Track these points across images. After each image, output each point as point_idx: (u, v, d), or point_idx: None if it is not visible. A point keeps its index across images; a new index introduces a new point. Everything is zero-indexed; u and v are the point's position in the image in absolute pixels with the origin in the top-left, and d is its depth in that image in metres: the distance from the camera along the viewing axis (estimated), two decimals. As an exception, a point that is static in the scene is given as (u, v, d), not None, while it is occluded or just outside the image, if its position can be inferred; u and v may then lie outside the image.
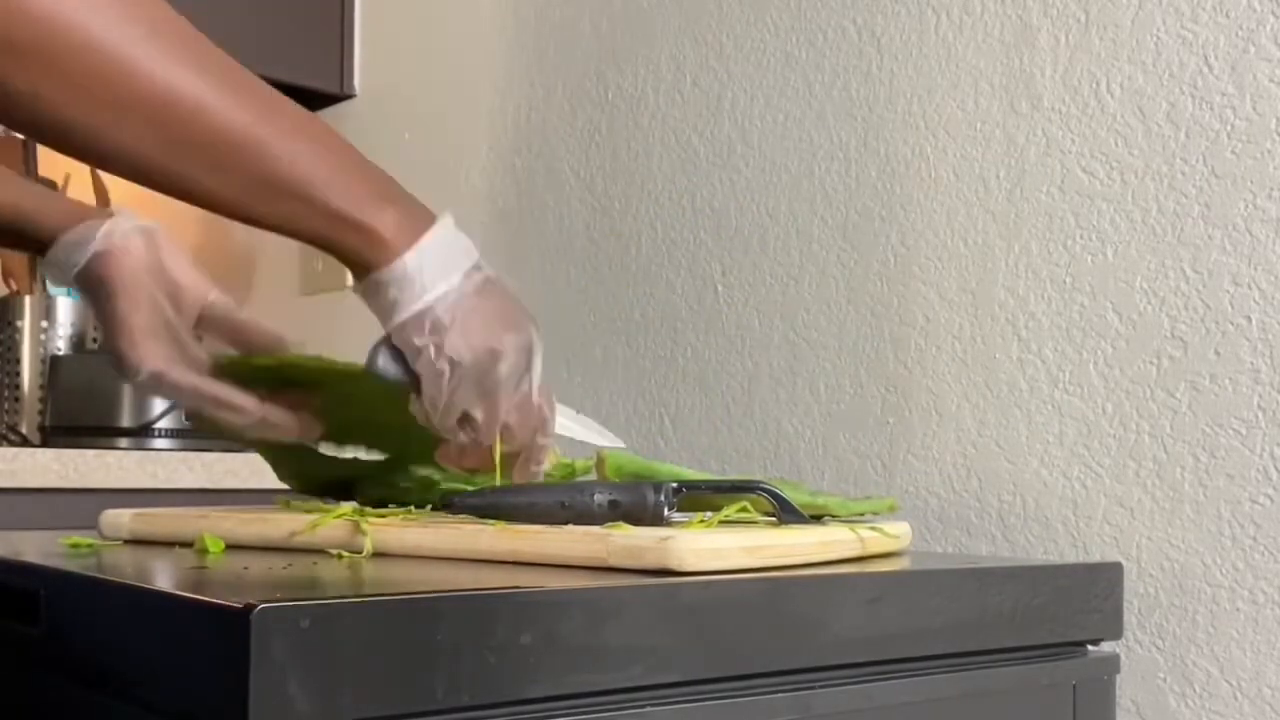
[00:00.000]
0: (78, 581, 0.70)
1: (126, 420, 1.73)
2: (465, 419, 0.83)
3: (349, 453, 0.97)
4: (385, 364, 0.82)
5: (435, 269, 0.79)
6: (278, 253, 1.98)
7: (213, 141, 0.73)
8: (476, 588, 0.62)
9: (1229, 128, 0.99)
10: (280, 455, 1.00)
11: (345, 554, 0.80)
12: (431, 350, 0.80)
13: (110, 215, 0.92)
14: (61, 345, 1.88)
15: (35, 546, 0.89)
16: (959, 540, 1.13)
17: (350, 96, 1.88)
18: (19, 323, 1.87)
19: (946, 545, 1.14)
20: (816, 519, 0.89)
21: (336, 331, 1.38)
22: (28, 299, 1.87)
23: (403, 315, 0.79)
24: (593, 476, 0.96)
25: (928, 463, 1.16)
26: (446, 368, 0.80)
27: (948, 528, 1.14)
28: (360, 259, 0.79)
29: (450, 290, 0.79)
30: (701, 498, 0.87)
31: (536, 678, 0.60)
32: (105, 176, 1.93)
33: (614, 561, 0.72)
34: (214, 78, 0.75)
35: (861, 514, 0.94)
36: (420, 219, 0.80)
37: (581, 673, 0.62)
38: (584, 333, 1.49)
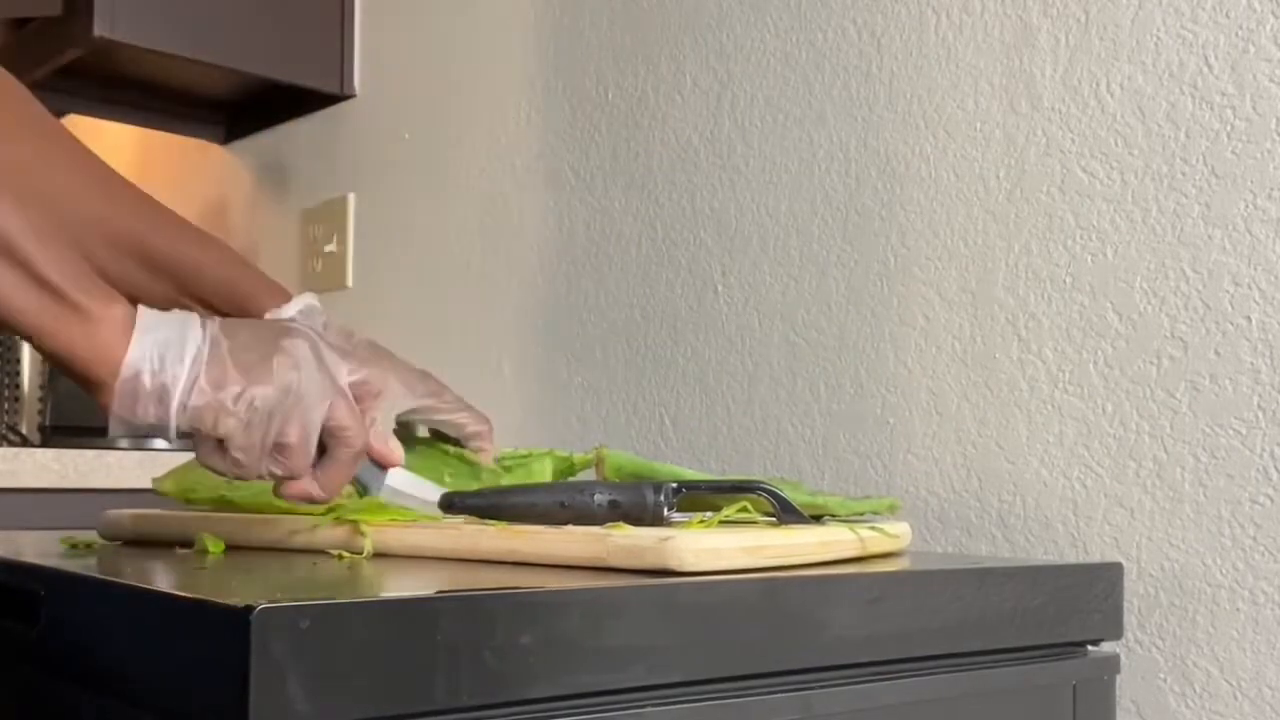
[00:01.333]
0: (77, 581, 0.70)
1: (126, 420, 1.73)
2: (276, 451, 0.75)
3: None
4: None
5: (174, 330, 0.72)
6: (278, 252, 1.98)
7: None
8: (476, 588, 0.62)
9: (1229, 128, 0.99)
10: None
11: (345, 554, 0.80)
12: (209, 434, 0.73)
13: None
14: (61, 345, 1.88)
15: (35, 546, 0.89)
16: (959, 540, 1.13)
17: (350, 96, 1.88)
18: (19, 323, 1.87)
19: (946, 545, 1.14)
20: (816, 519, 0.89)
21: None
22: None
23: (171, 421, 0.71)
24: (593, 476, 0.96)
25: (928, 463, 1.16)
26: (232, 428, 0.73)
27: (948, 528, 1.14)
28: (84, 355, 0.70)
29: (190, 376, 0.72)
30: (701, 498, 0.87)
31: (536, 678, 0.60)
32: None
33: (614, 561, 0.72)
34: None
35: (861, 514, 0.94)
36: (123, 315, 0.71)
37: (581, 673, 0.62)
38: (584, 333, 1.49)
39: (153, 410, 0.71)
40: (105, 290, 0.71)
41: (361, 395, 0.79)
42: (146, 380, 0.70)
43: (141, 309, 0.72)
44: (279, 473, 0.75)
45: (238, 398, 0.72)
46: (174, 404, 0.71)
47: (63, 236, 0.71)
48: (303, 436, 0.74)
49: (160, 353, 0.70)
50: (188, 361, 0.71)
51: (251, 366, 0.73)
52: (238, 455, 0.73)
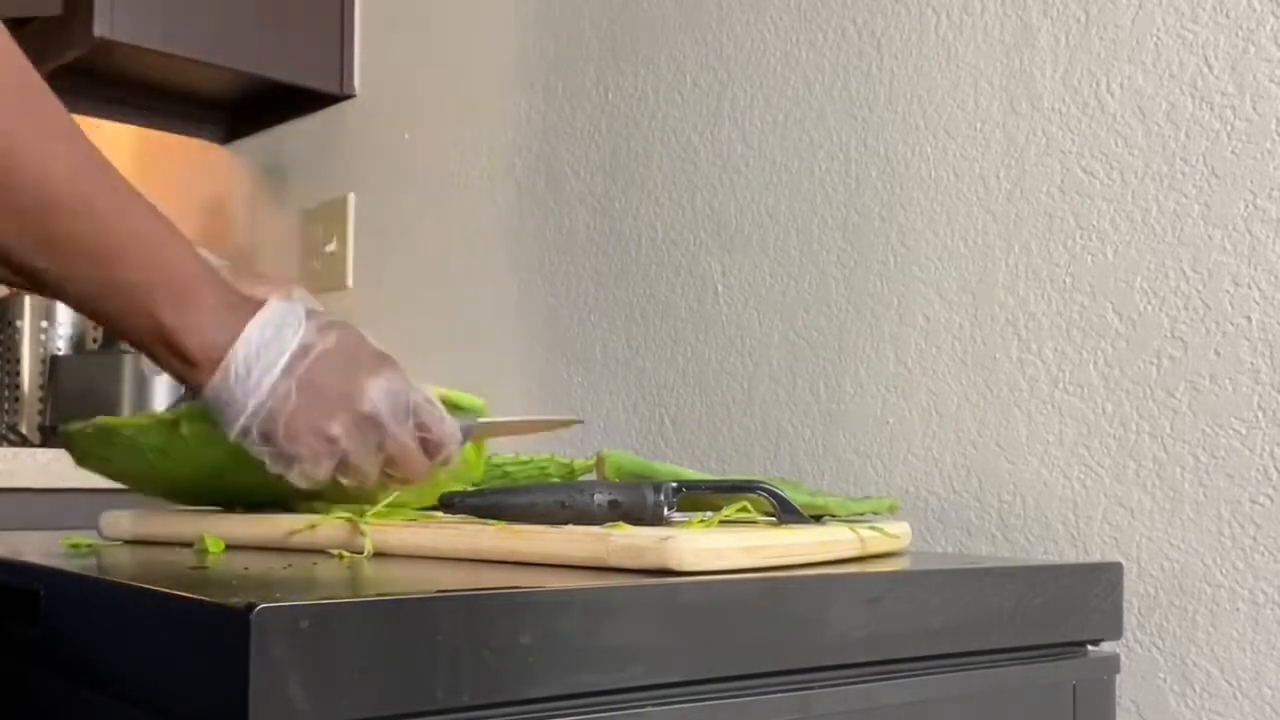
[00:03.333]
0: (77, 581, 0.70)
1: (126, 420, 1.73)
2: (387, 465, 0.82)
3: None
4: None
5: (254, 372, 0.76)
6: (278, 252, 1.98)
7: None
8: (476, 588, 0.62)
9: (1229, 128, 0.99)
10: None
11: (345, 554, 0.80)
12: (269, 457, 0.79)
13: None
14: (61, 345, 1.88)
15: (35, 546, 0.89)
16: (959, 540, 1.13)
17: (350, 96, 1.88)
18: (19, 322, 1.87)
19: (946, 545, 1.14)
20: (816, 519, 0.89)
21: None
22: (27, 299, 1.87)
23: (232, 430, 0.78)
24: (593, 476, 0.96)
25: (928, 463, 1.16)
26: (299, 460, 0.79)
27: (948, 528, 1.14)
28: (176, 373, 0.77)
29: (270, 389, 0.77)
30: (701, 498, 0.87)
31: (536, 678, 0.60)
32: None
33: (614, 561, 0.72)
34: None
35: (861, 514, 0.94)
36: (237, 312, 0.77)
37: (581, 673, 0.62)
38: (584, 333, 1.49)
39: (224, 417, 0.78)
40: (218, 336, 0.76)
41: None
42: (236, 389, 0.77)
43: (247, 331, 0.76)
44: (398, 479, 0.83)
45: (317, 442, 0.78)
46: (243, 425, 0.78)
47: (189, 268, 0.76)
48: (406, 451, 0.81)
49: (248, 367, 0.76)
50: (265, 388, 0.76)
51: (334, 407, 0.78)
52: (355, 479, 0.81)
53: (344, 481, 0.81)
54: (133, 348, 0.79)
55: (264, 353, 0.76)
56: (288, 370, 0.77)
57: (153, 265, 0.74)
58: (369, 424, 0.79)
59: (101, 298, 0.74)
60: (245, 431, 0.77)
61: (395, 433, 0.80)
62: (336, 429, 0.78)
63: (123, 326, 0.76)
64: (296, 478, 0.79)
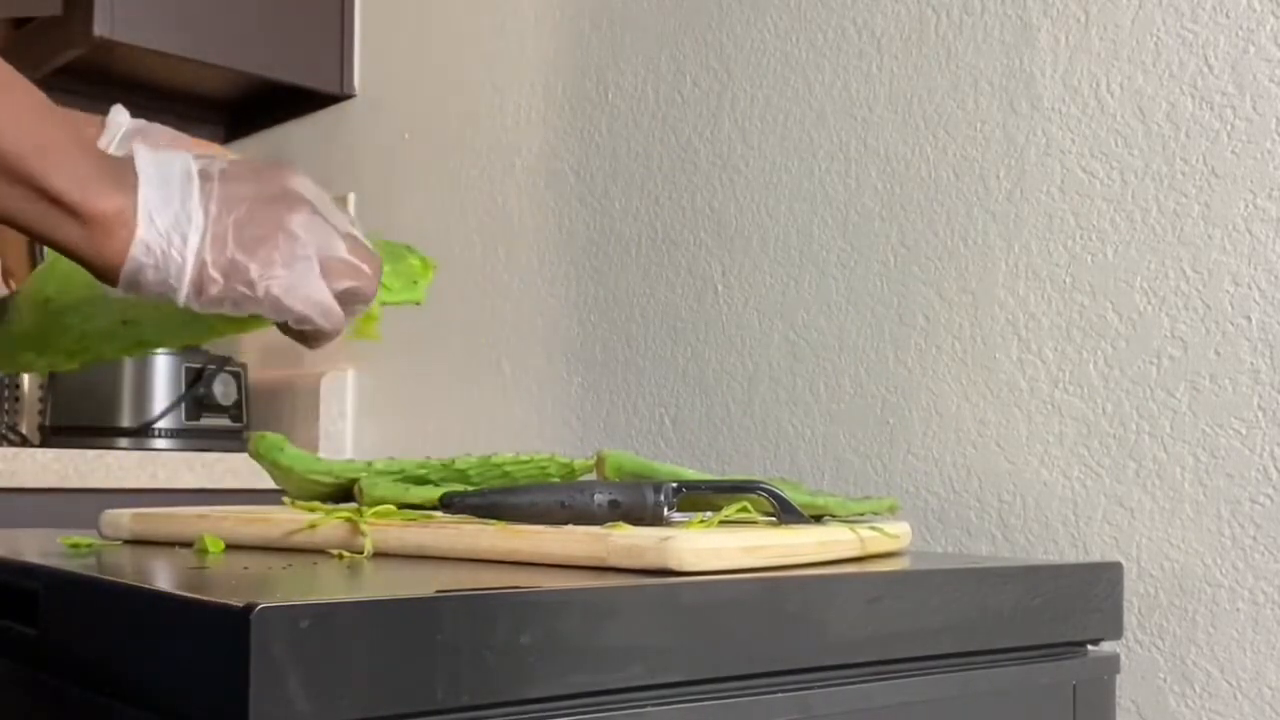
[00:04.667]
0: (77, 581, 0.70)
1: (126, 420, 1.73)
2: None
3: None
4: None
5: (172, 216, 0.71)
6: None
7: None
8: (476, 588, 0.62)
9: (1229, 128, 0.99)
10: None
11: (345, 554, 0.80)
12: (241, 287, 0.73)
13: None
14: (61, 345, 1.88)
15: (35, 546, 0.89)
16: (959, 540, 1.13)
17: (350, 96, 1.88)
18: (19, 323, 1.87)
19: (946, 545, 1.14)
20: (816, 519, 0.89)
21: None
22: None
23: (183, 288, 0.72)
24: (593, 476, 0.96)
25: (928, 463, 1.16)
26: (265, 289, 0.73)
27: (948, 528, 1.14)
28: (87, 254, 0.70)
29: (203, 229, 0.71)
30: (701, 498, 0.87)
31: (536, 678, 0.60)
32: None
33: (614, 561, 0.72)
34: None
35: (861, 514, 0.94)
36: (116, 166, 0.71)
37: (581, 673, 0.62)
38: (584, 333, 1.49)
39: (158, 296, 0.72)
40: (105, 186, 0.70)
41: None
42: (150, 275, 0.71)
43: (141, 184, 0.71)
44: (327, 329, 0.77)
45: (254, 284, 0.73)
46: (181, 296, 0.72)
47: (57, 132, 0.70)
48: (359, 276, 0.76)
49: (162, 248, 0.71)
50: (190, 255, 0.72)
51: (260, 243, 0.73)
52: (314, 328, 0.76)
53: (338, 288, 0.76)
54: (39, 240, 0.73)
55: (171, 184, 0.72)
56: (204, 185, 0.73)
57: (64, 159, 0.70)
58: (317, 216, 0.76)
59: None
60: (198, 274, 0.72)
61: (334, 215, 0.77)
62: (293, 223, 0.74)
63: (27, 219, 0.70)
64: (289, 299, 0.74)
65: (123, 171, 0.71)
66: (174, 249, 0.71)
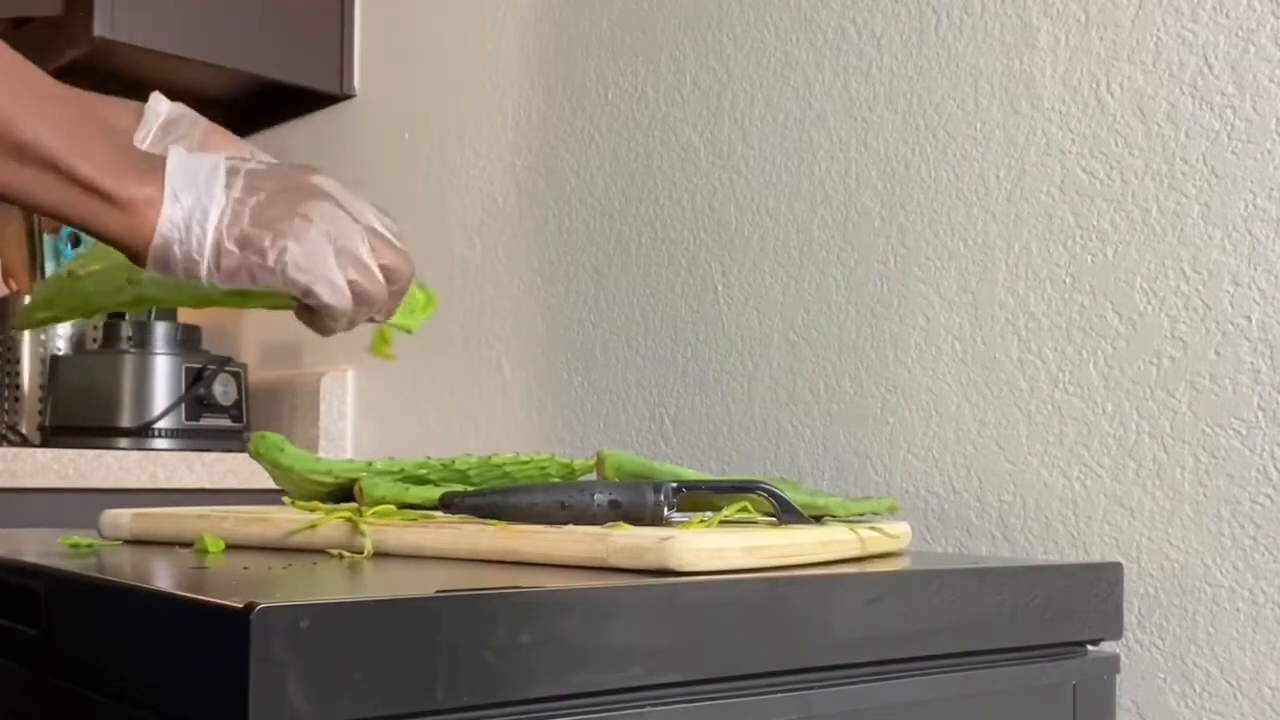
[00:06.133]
0: (77, 582, 0.70)
1: (126, 420, 1.73)
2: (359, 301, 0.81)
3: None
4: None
5: (196, 195, 0.75)
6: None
7: None
8: (476, 588, 0.62)
9: (1229, 128, 0.99)
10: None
11: (345, 554, 0.80)
12: (260, 262, 0.76)
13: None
14: (61, 345, 1.88)
15: (35, 546, 0.89)
16: (959, 540, 1.13)
17: (350, 96, 1.88)
18: (19, 322, 1.87)
19: (946, 545, 1.14)
20: (816, 519, 0.89)
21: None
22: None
23: (204, 260, 0.75)
24: (593, 476, 0.96)
25: (928, 463, 1.16)
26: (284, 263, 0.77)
27: (948, 528, 1.14)
28: (119, 236, 0.75)
29: (223, 206, 0.76)
30: (701, 498, 0.87)
31: (536, 678, 0.60)
32: None
33: (614, 561, 0.72)
34: None
35: (861, 514, 0.94)
36: (146, 156, 0.76)
37: (581, 673, 0.62)
38: (584, 333, 1.49)
39: (185, 275, 0.76)
40: (137, 172, 0.75)
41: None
42: (176, 250, 0.75)
43: (169, 175, 0.75)
44: (364, 317, 0.82)
45: (265, 252, 0.76)
46: (202, 269, 0.76)
47: (89, 126, 0.75)
48: (369, 276, 0.80)
49: (186, 222, 0.75)
50: (210, 229, 0.75)
51: (276, 221, 0.77)
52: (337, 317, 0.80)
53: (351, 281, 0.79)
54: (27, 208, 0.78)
55: (195, 172, 0.76)
56: (230, 179, 0.77)
57: (90, 149, 0.74)
58: (338, 209, 0.79)
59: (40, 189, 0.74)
60: (216, 246, 0.75)
61: (357, 210, 0.80)
62: (311, 209, 0.77)
63: (36, 200, 0.74)
64: (297, 270, 0.77)
65: (151, 161, 0.76)
66: (195, 222, 0.75)
